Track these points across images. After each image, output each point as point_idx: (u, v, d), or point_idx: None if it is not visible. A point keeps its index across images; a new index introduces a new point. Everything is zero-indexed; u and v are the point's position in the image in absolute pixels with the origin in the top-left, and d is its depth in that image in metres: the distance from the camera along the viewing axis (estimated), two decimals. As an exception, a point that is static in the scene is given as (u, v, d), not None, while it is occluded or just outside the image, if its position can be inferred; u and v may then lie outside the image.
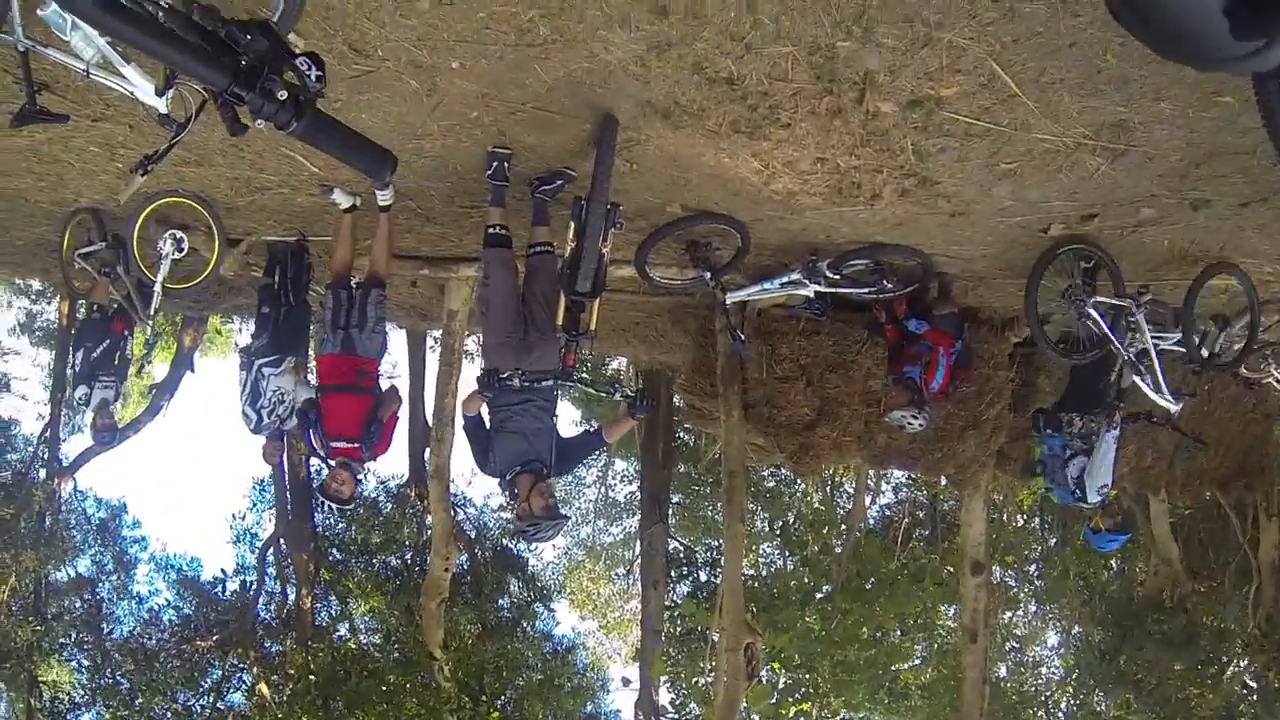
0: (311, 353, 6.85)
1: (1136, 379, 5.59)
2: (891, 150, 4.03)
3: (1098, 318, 5.21)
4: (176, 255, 5.57)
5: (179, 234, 5.55)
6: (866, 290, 5.51)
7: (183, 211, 5.30)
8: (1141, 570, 12.50)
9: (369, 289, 5.51)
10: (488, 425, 4.81)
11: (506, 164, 4.55)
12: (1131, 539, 5.92)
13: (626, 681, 12.97)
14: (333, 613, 12.96)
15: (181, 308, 10.48)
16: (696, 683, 12.83)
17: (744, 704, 7.74)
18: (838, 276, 5.34)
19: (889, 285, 5.47)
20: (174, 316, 12.34)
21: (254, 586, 12.88)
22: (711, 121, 3.91)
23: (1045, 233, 4.95)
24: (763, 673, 9.53)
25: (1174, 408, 5.67)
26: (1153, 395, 5.62)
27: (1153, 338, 5.35)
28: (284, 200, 5.56)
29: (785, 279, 5.52)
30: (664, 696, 13.24)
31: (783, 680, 11.85)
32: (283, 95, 1.13)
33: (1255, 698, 10.32)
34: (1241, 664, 10.65)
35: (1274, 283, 5.24)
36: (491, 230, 4.86)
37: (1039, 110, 3.55)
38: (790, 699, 11.74)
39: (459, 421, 5.48)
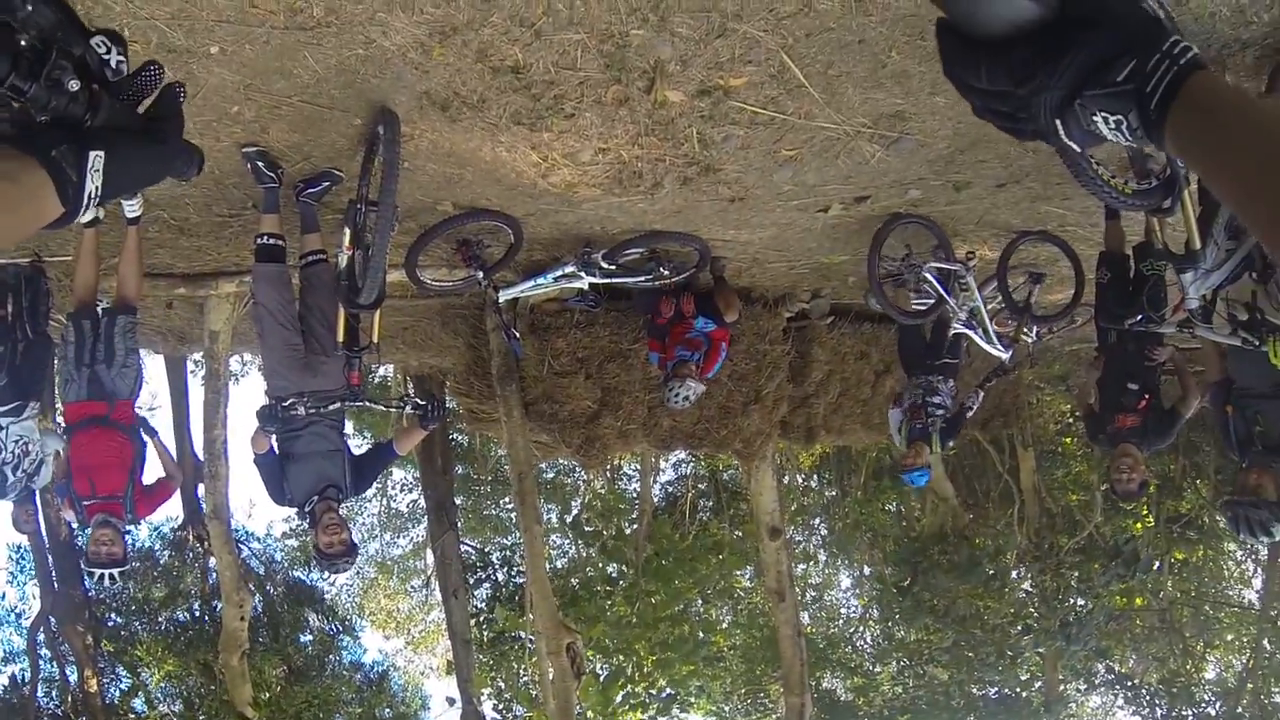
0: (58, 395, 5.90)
1: (970, 333, 6.12)
2: (676, 139, 4.00)
3: (933, 280, 5.62)
4: None
5: None
6: (643, 278, 5.51)
7: None
8: (918, 509, 13.91)
9: (116, 316, 4.84)
10: (278, 454, 4.52)
11: (262, 162, 4.07)
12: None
13: (451, 701, 12.52)
14: (123, 687, 11.51)
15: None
16: (517, 685, 12.70)
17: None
18: (613, 267, 5.31)
19: (665, 272, 5.49)
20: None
21: (28, 676, 11.04)
22: (492, 113, 3.69)
23: (824, 212, 5.21)
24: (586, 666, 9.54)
25: (1004, 355, 6.26)
26: (985, 346, 6.22)
27: (980, 296, 5.87)
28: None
29: (559, 273, 5.43)
30: (487, 705, 12.96)
31: (602, 668, 11.99)
32: (74, 85, 0.80)
33: (1036, 599, 11.82)
34: (1019, 573, 12.12)
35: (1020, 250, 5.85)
36: (262, 241, 4.40)
37: (824, 100, 3.66)
38: (615, 684, 11.90)
39: (235, 454, 4.96)
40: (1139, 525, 11.73)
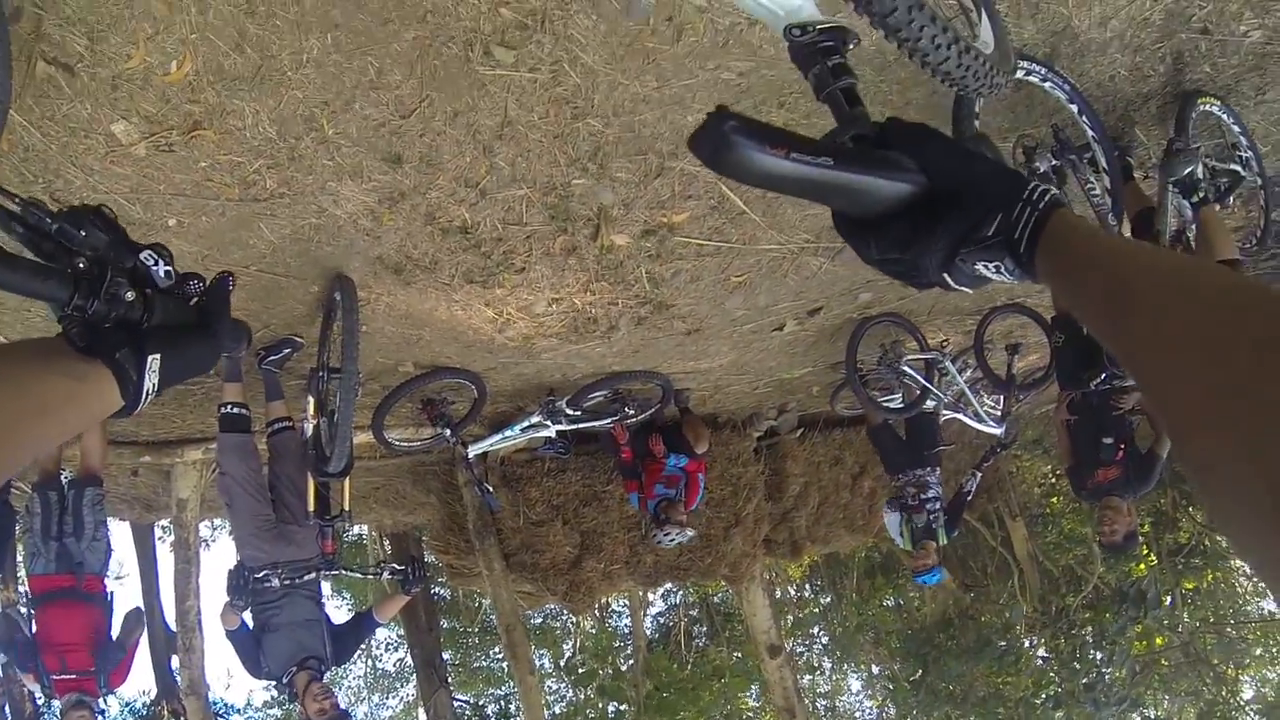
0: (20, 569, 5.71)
1: (961, 417, 6.10)
2: (626, 281, 4.10)
3: (913, 373, 5.66)
4: None
5: None
6: (609, 420, 5.56)
7: None
8: (917, 599, 13.60)
9: (83, 488, 4.79)
10: (252, 627, 4.42)
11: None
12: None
13: None
14: None
15: None
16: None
17: None
18: (578, 412, 5.36)
19: (630, 411, 5.55)
20: None
21: None
22: (445, 273, 3.77)
23: (780, 330, 5.30)
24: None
25: (998, 430, 6.25)
26: (979, 426, 6.22)
27: (962, 379, 5.93)
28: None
29: (525, 423, 5.48)
30: None
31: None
32: (129, 296, 0.90)
33: (1055, 664, 11.47)
34: (1031, 642, 11.79)
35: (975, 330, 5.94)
36: (225, 410, 4.39)
37: (765, 224, 3.80)
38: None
39: (209, 624, 4.81)
40: (1142, 566, 11.54)
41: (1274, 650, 12.78)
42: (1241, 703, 12.69)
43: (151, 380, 0.92)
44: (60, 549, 4.71)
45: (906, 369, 5.73)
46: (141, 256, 0.94)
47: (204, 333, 1.00)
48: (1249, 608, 13.42)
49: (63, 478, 4.91)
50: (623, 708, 11.72)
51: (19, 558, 6.26)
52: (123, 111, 2.65)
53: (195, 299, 1.01)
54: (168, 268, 0.96)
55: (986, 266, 0.81)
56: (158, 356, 0.92)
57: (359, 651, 15.50)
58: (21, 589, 5.75)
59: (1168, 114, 3.64)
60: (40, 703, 9.52)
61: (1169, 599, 11.70)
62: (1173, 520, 12.04)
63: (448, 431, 5.23)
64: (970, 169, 0.82)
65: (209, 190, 3.09)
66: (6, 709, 9.35)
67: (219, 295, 1.02)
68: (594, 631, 13.66)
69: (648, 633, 13.79)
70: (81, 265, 0.88)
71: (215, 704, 10.94)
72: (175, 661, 10.09)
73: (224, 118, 2.72)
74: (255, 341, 4.39)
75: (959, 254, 0.81)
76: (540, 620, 14.03)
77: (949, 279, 0.84)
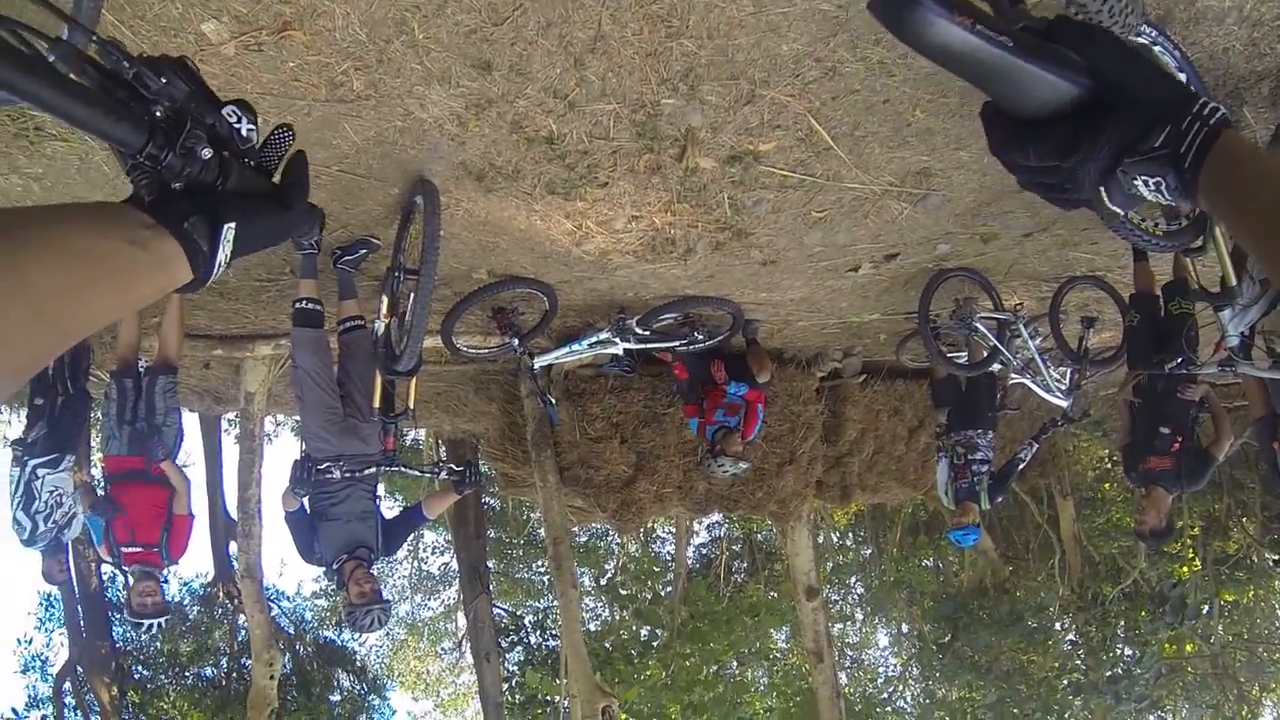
0: (95, 449, 6.04)
1: (1029, 383, 6.00)
2: (708, 205, 4.05)
3: (985, 331, 5.57)
4: None
5: None
6: (677, 343, 5.52)
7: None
8: (956, 564, 13.58)
9: (157, 376, 4.98)
10: (309, 512, 4.57)
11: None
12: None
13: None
14: (149, 740, 11.36)
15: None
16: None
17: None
18: (647, 332, 5.32)
19: (699, 336, 5.50)
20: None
21: (53, 723, 11.00)
22: (527, 183, 3.76)
23: (854, 272, 5.21)
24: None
25: (1064, 403, 6.14)
26: (1045, 396, 6.12)
27: (1034, 345, 5.81)
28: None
29: (593, 339, 5.46)
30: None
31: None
32: (207, 153, 0.83)
33: (1082, 650, 11.45)
34: (1063, 624, 11.76)
35: (1048, 297, 5.79)
36: (300, 306, 4.49)
37: (851, 161, 3.70)
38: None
39: (268, 512, 5.04)
40: (1185, 569, 11.36)
41: (1303, 680, 12.46)
42: (1260, 725, 12.48)
43: (225, 252, 0.85)
44: (133, 433, 4.95)
45: (979, 326, 5.61)
46: (225, 112, 0.87)
47: (280, 204, 0.92)
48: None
49: (140, 366, 5.11)
50: (656, 631, 11.99)
51: (93, 441, 6.58)
52: (213, 11, 2.68)
53: (274, 169, 0.94)
54: (251, 126, 0.89)
55: (1147, 183, 0.78)
56: (233, 225, 0.85)
57: (405, 549, 16.20)
58: (93, 474, 6.06)
59: (1278, 99, 3.42)
60: (105, 576, 10.21)
61: (1207, 608, 11.50)
62: (1224, 528, 11.75)
63: (516, 341, 5.27)
64: (1140, 76, 0.78)
65: (296, 90, 3.12)
66: (74, 583, 10.02)
67: (298, 171, 0.96)
68: (637, 555, 13.93)
69: (689, 562, 14.04)
70: (158, 114, 0.81)
71: (268, 589, 11.50)
72: (233, 547, 10.65)
73: (314, 19, 2.73)
74: (332, 241, 4.47)
75: (1121, 164, 0.78)
76: (586, 539, 14.34)
77: (1105, 195, 0.81)
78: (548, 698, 11.96)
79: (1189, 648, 11.83)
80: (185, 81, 0.83)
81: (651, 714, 11.57)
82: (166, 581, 5.31)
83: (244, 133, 0.88)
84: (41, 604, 11.70)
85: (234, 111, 0.87)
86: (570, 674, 7.45)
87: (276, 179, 0.94)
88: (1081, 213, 4.46)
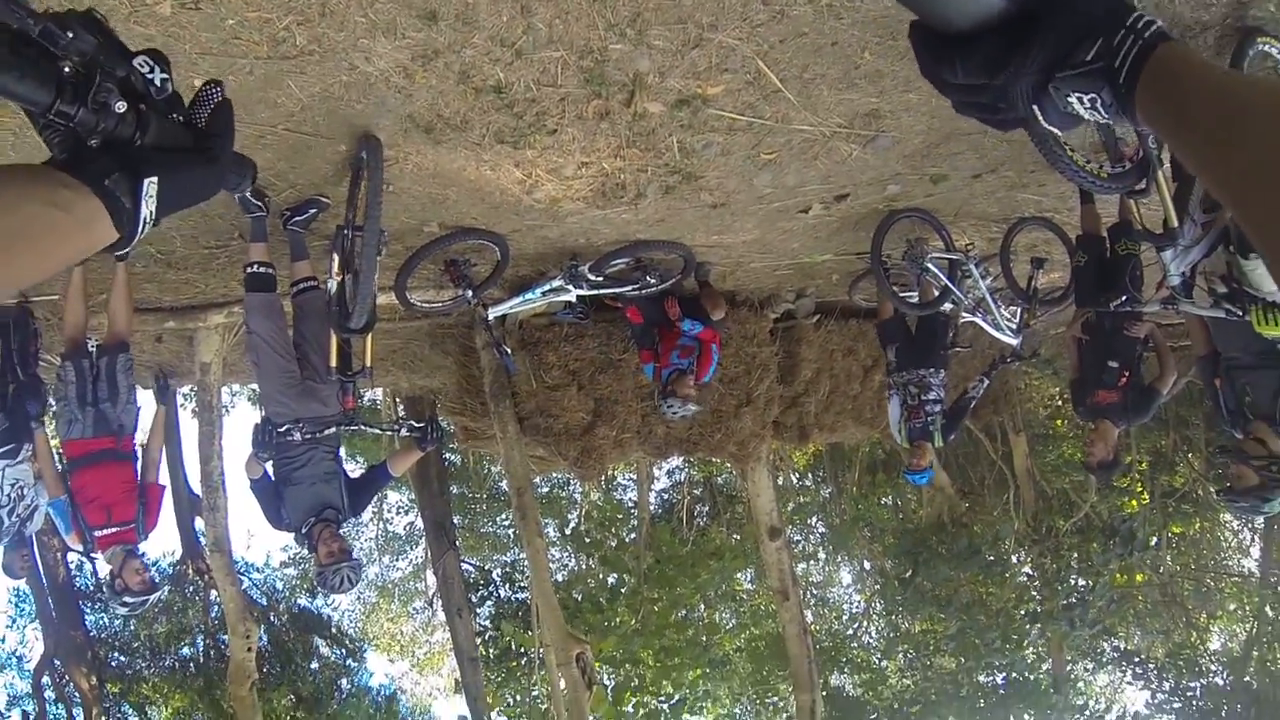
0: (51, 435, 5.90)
1: (979, 321, 6.14)
2: (657, 149, 4.06)
3: (937, 271, 5.69)
4: None
5: None
6: (630, 288, 5.54)
7: None
8: (914, 501, 14.00)
9: (114, 354, 4.91)
10: (274, 479, 4.59)
11: (248, 192, 4.10)
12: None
13: (464, 720, 12.49)
14: (133, 727, 11.35)
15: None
16: (528, 700, 12.68)
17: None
18: (600, 278, 5.33)
19: (651, 280, 5.52)
20: None
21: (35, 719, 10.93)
22: (475, 133, 3.73)
23: (805, 213, 5.27)
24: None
25: (1014, 341, 6.33)
26: (995, 334, 6.30)
27: (985, 284, 5.95)
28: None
29: (546, 287, 5.46)
30: (498, 721, 12.96)
31: (609, 679, 12.01)
32: (120, 107, 0.80)
33: (1037, 582, 12.00)
34: (1019, 557, 12.24)
35: (998, 238, 5.93)
36: (252, 269, 4.43)
37: (800, 104, 3.73)
38: (625, 694, 11.93)
39: (233, 484, 5.03)
40: (1134, 503, 11.88)
41: (1247, 608, 13.21)
42: (1208, 650, 13.25)
43: (149, 207, 0.82)
44: (97, 414, 4.90)
45: (930, 266, 5.70)
46: (135, 63, 0.84)
47: (204, 156, 0.89)
48: (1229, 562, 13.90)
49: (90, 346, 5.02)
50: (624, 578, 12.20)
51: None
52: (148, -33, 2.59)
53: (194, 120, 0.91)
54: (164, 75, 0.86)
55: (1081, 100, 0.76)
56: (154, 180, 0.82)
57: (370, 511, 16.14)
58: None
59: (1224, 48, 3.50)
60: (80, 560, 10.06)
61: (1155, 540, 12.05)
62: (1170, 463, 12.29)
63: (469, 293, 5.25)
64: None
65: (237, 49, 3.05)
66: (42, 575, 9.87)
67: (222, 121, 0.92)
68: (600, 503, 14.09)
69: (652, 508, 14.25)
70: (65, 69, 0.78)
71: (237, 562, 11.46)
72: (199, 523, 10.56)
73: (253, -29, 2.66)
74: (281, 202, 4.40)
75: (1053, 80, 0.76)
76: (548, 490, 14.47)
77: (1039, 113, 0.79)
78: (522, 650, 12.15)
79: (1139, 577, 12.38)
80: (93, 34, 0.81)
81: (624, 660, 11.83)
82: (144, 554, 5.28)
83: (157, 83, 0.86)
84: (12, 601, 11.57)
85: (145, 62, 0.85)
86: (542, 623, 7.60)
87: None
88: (1029, 154, 4.59)
